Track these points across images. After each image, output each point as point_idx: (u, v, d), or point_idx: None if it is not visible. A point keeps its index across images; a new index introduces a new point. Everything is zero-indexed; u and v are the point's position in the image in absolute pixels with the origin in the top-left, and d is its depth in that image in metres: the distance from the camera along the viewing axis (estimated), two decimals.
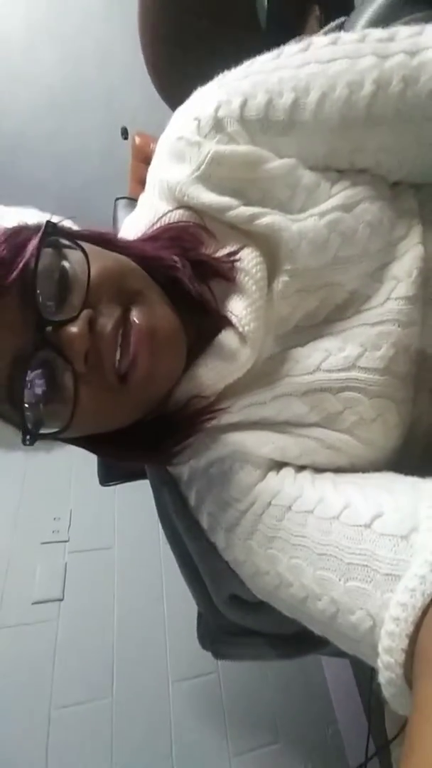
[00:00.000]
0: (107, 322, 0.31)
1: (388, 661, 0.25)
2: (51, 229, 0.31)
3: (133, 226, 0.42)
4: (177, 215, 0.39)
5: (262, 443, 0.38)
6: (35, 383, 0.30)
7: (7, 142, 1.96)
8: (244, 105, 0.37)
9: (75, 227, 0.39)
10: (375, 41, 0.36)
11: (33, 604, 1.24)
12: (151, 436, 0.38)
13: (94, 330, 0.30)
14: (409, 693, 0.25)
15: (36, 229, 0.32)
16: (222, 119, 0.37)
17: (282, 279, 0.37)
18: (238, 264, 0.37)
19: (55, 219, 0.36)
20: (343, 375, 0.37)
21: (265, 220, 0.36)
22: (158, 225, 0.40)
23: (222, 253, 0.38)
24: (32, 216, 0.36)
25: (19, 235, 0.31)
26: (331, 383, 0.37)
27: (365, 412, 0.37)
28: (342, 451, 0.38)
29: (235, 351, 0.36)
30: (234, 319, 0.36)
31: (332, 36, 0.37)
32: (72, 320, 0.30)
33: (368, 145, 0.38)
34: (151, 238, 0.39)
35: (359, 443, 0.37)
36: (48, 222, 0.31)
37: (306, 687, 1.28)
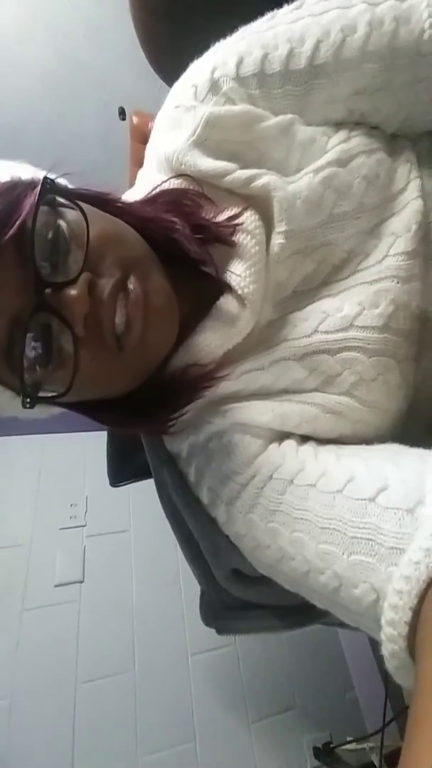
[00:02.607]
0: (106, 286, 0.30)
1: (391, 634, 0.25)
2: (48, 185, 0.30)
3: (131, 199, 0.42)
4: (174, 183, 0.39)
5: (261, 413, 0.38)
6: (34, 345, 0.30)
7: (5, 134, 1.94)
8: (240, 63, 0.37)
9: (70, 186, 0.38)
10: None
11: (56, 586, 1.28)
12: (150, 404, 0.38)
13: (92, 293, 0.30)
14: (412, 665, 0.25)
15: (31, 184, 0.31)
16: (218, 80, 0.38)
17: (278, 242, 0.37)
18: (238, 228, 0.36)
19: (51, 175, 0.36)
20: (340, 335, 0.36)
21: (260, 182, 0.36)
22: (156, 192, 0.39)
23: (221, 217, 0.37)
24: (25, 171, 0.35)
25: (13, 190, 0.30)
26: (329, 345, 0.36)
27: (365, 371, 0.36)
28: (343, 415, 0.37)
29: (234, 315, 0.36)
30: (233, 281, 0.36)
31: None
32: (71, 283, 0.29)
33: (366, 87, 0.37)
34: (149, 201, 0.39)
35: (360, 405, 0.37)
36: (45, 178, 0.30)
37: (322, 654, 1.31)
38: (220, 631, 0.56)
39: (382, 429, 0.39)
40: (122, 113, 1.76)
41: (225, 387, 0.39)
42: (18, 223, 0.28)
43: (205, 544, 0.45)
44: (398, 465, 0.31)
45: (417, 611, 0.24)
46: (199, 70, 0.40)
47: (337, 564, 0.30)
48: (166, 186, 0.39)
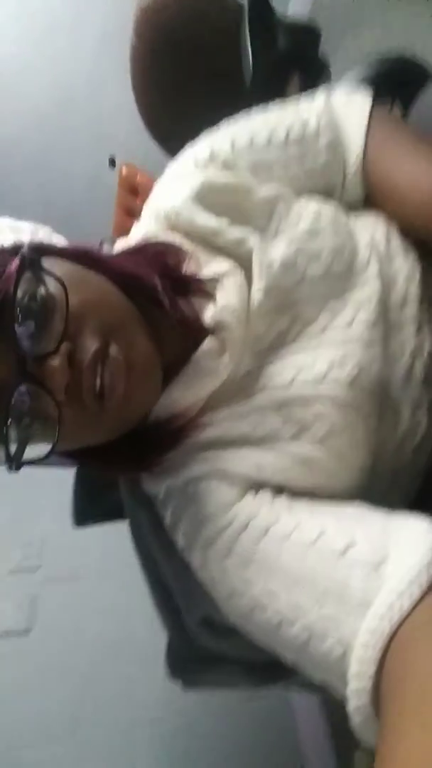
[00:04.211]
0: (85, 355, 0.31)
1: (357, 687, 0.26)
2: (27, 259, 0.31)
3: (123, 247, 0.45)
4: (164, 236, 0.42)
5: (239, 461, 0.39)
6: (19, 415, 0.31)
7: None
8: (233, 141, 0.44)
9: (54, 238, 0.40)
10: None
11: None
12: (132, 448, 0.39)
13: (73, 363, 0.31)
14: (376, 720, 0.26)
15: (13, 251, 0.32)
16: (216, 152, 0.44)
17: (257, 297, 0.40)
18: (222, 281, 0.40)
19: (28, 233, 0.38)
20: (314, 389, 0.39)
21: (248, 244, 0.40)
22: (144, 243, 0.42)
23: (206, 269, 0.41)
24: (6, 235, 0.37)
25: None
26: (304, 396, 0.39)
27: (335, 424, 0.39)
28: (314, 467, 0.39)
29: (215, 356, 0.38)
30: (216, 325, 0.39)
31: None
32: (52, 354, 0.30)
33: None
34: (135, 251, 0.41)
35: (330, 457, 0.39)
36: (26, 250, 0.32)
37: (276, 730, 1.23)
38: (185, 685, 0.54)
39: (350, 483, 0.41)
40: (112, 162, 1.85)
41: (205, 433, 0.40)
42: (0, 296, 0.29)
43: (178, 589, 0.45)
44: (365, 523, 0.33)
45: (381, 665, 0.25)
46: (197, 148, 0.46)
47: (308, 616, 0.31)
48: (155, 238, 0.42)
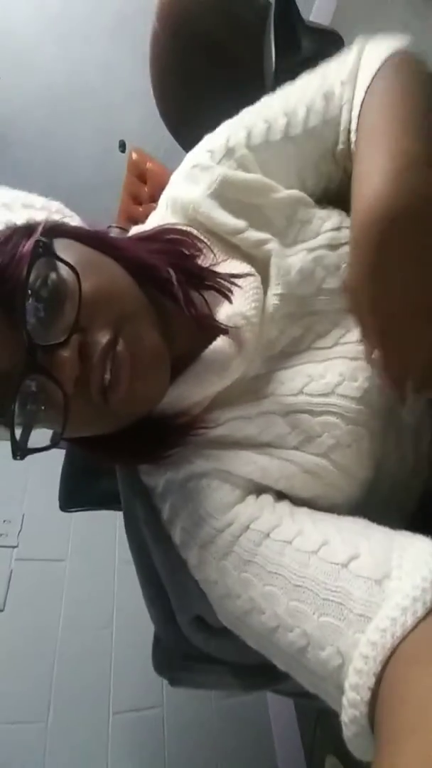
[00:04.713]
0: (96, 348, 0.31)
1: (353, 698, 0.26)
2: (42, 244, 0.30)
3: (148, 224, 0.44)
4: (182, 227, 0.41)
5: (244, 463, 0.39)
6: (25, 402, 0.30)
7: None
8: (249, 134, 0.43)
9: (66, 214, 0.38)
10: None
11: None
12: (138, 440, 0.39)
13: (82, 355, 0.30)
14: (370, 734, 0.26)
15: (26, 233, 0.31)
16: (233, 147, 0.42)
17: (273, 302, 0.39)
18: (237, 282, 0.38)
19: (41, 209, 0.36)
20: (323, 400, 0.39)
21: (267, 246, 0.40)
22: (161, 228, 0.41)
23: (221, 268, 0.39)
24: (19, 213, 0.34)
25: (7, 244, 0.30)
26: (312, 406, 0.39)
27: (342, 437, 0.39)
28: (319, 477, 0.39)
29: (227, 355, 0.38)
30: (232, 322, 0.38)
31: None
32: (62, 344, 0.29)
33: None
34: (150, 237, 0.40)
35: (334, 468, 0.39)
36: (40, 233, 0.31)
37: (251, 730, 1.25)
38: (173, 683, 0.54)
39: (351, 495, 0.40)
40: (123, 146, 1.82)
41: (211, 432, 0.39)
42: (11, 282, 0.28)
43: (172, 586, 0.44)
44: (368, 538, 0.32)
45: (380, 679, 0.25)
46: (214, 139, 0.44)
47: (307, 623, 0.30)
48: (172, 225, 0.41)
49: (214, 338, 0.38)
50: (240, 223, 0.40)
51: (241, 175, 0.41)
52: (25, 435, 0.31)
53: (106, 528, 1.36)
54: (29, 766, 1.04)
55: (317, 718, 1.16)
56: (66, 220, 0.38)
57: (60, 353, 0.29)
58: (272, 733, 1.25)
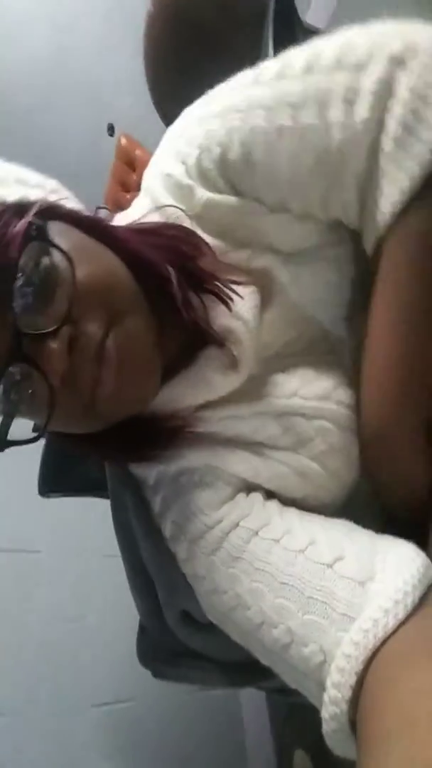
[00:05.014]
0: (87, 344, 0.29)
1: (335, 696, 0.27)
2: (35, 226, 0.29)
3: (131, 215, 0.40)
4: (179, 216, 0.37)
5: (236, 461, 0.39)
6: (8, 392, 0.29)
7: None
8: (224, 155, 0.36)
9: (62, 195, 0.36)
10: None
11: None
12: (126, 439, 0.38)
13: (72, 348, 0.29)
14: (349, 731, 0.27)
15: (18, 211, 0.29)
16: (206, 170, 0.37)
17: (272, 310, 0.39)
18: (236, 290, 0.37)
19: (36, 187, 0.34)
20: (317, 404, 0.39)
21: (260, 262, 0.38)
22: (160, 218, 0.38)
23: (221, 273, 0.37)
24: (12, 189, 0.32)
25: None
26: (306, 410, 0.39)
27: (335, 442, 0.39)
28: (309, 479, 0.39)
29: (221, 369, 0.37)
30: (230, 343, 0.37)
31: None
32: (51, 335, 0.28)
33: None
34: (150, 231, 0.37)
35: (325, 472, 0.39)
36: (33, 214, 0.29)
37: (223, 738, 1.26)
38: (156, 675, 0.54)
39: (337, 496, 0.41)
40: (111, 129, 1.78)
41: (202, 427, 0.39)
42: (0, 265, 0.27)
43: (160, 579, 0.44)
44: (353, 541, 0.34)
45: (361, 679, 0.26)
46: (187, 145, 0.38)
47: (292, 620, 0.31)
48: (169, 215, 0.38)
49: (206, 343, 0.37)
50: (220, 245, 0.38)
51: (222, 199, 0.37)
52: (5, 425, 0.29)
53: (82, 516, 1.35)
54: (3, 757, 1.03)
55: (288, 714, 1.19)
56: (62, 201, 0.35)
57: (48, 344, 0.28)
58: (243, 727, 1.28)
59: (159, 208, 0.38)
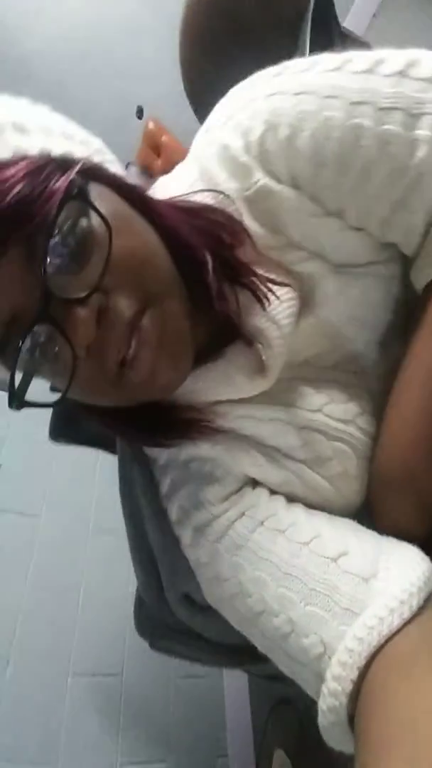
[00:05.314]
0: (118, 318, 0.28)
1: (334, 689, 0.27)
2: (78, 185, 0.27)
3: (173, 185, 0.38)
4: (229, 197, 0.35)
5: (248, 463, 0.39)
6: (31, 350, 0.28)
7: (15, 67, 1.85)
8: (291, 140, 0.32)
9: (107, 158, 0.34)
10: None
11: None
12: (143, 423, 0.38)
13: (102, 320, 0.27)
14: (347, 725, 0.27)
15: (61, 166, 0.27)
16: (268, 152, 0.33)
17: (309, 319, 0.37)
18: (274, 290, 0.35)
19: (81, 144, 0.32)
20: (341, 426, 0.38)
21: (308, 267, 0.36)
22: (206, 196, 0.35)
23: (261, 269, 0.35)
24: (58, 141, 0.30)
25: (40, 173, 0.26)
26: (328, 429, 0.38)
27: (351, 468, 0.39)
28: (318, 494, 0.39)
29: (249, 371, 0.36)
30: (261, 347, 0.35)
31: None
32: (81, 301, 0.27)
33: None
34: (192, 211, 0.34)
35: (335, 493, 0.39)
36: (77, 172, 0.27)
37: (204, 717, 1.28)
38: (153, 646, 0.55)
39: (342, 514, 0.40)
40: (140, 112, 1.77)
41: (219, 421, 0.39)
42: (37, 219, 0.25)
43: (164, 561, 0.44)
44: (358, 538, 0.34)
45: (362, 674, 0.27)
46: (250, 119, 0.34)
47: (293, 611, 0.32)
48: (218, 203, 0.35)
49: (235, 338, 0.36)
50: (270, 238, 0.35)
51: (280, 190, 0.34)
52: (25, 383, 0.29)
53: (87, 492, 1.38)
54: None
55: (269, 713, 1.20)
56: (106, 164, 0.33)
57: (77, 310, 0.27)
58: (225, 723, 1.29)
59: (208, 189, 0.35)
